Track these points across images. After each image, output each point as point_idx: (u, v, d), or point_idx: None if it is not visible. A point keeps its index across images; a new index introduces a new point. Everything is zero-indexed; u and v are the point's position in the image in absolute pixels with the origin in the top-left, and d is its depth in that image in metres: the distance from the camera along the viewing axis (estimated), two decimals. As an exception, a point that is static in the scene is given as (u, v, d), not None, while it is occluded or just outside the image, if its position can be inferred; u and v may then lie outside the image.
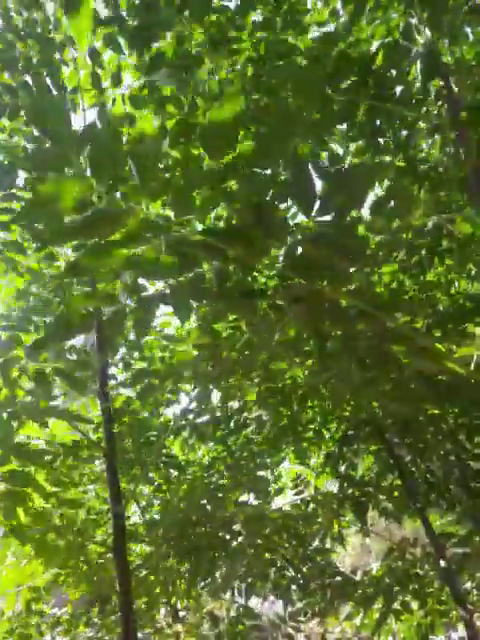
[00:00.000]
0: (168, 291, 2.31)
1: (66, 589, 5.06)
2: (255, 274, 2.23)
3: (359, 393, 3.21)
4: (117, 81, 3.32)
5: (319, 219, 1.79)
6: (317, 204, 1.77)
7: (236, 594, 5.28)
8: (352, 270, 2.12)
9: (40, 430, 4.63)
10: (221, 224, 2.26)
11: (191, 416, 4.46)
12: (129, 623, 4.14)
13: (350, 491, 5.00)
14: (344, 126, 2.70)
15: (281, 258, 2.08)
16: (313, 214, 1.77)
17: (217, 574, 4.98)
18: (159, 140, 1.73)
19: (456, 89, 2.98)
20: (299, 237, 1.88)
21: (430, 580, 5.09)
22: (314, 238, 1.84)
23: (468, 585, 5.10)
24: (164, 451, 4.95)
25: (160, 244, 2.10)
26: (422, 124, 3.12)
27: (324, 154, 2.89)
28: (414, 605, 5.02)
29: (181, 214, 1.91)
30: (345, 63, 2.87)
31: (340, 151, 2.90)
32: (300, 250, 1.89)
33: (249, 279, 2.31)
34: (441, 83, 3.01)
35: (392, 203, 2.18)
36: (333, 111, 2.84)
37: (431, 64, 2.90)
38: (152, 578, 4.91)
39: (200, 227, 2.13)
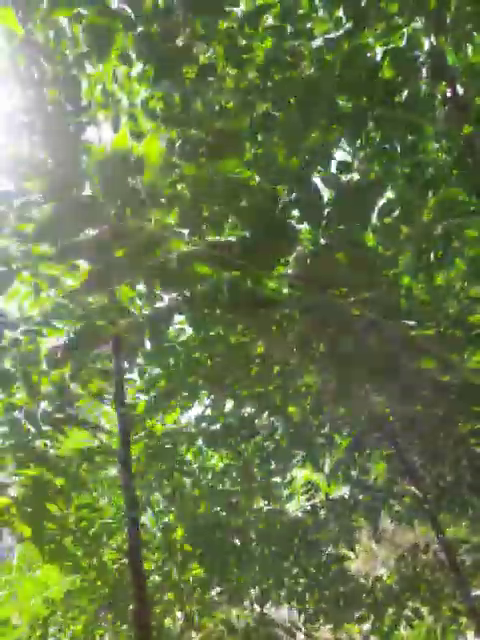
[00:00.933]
0: (183, 302, 2.35)
1: (81, 599, 5.07)
2: (267, 285, 2.24)
3: (371, 399, 3.22)
4: (130, 94, 3.36)
5: (329, 234, 1.82)
6: (325, 217, 1.80)
7: (251, 601, 5.29)
8: (363, 281, 2.14)
9: (58, 436, 4.66)
10: (232, 238, 2.30)
11: (205, 424, 4.48)
12: (144, 629, 4.14)
13: (361, 496, 4.99)
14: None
15: (290, 270, 2.11)
16: (321, 228, 1.80)
17: (231, 580, 4.98)
18: (164, 158, 1.76)
19: (462, 93, 2.98)
20: (308, 249, 1.90)
21: (440, 586, 5.06)
22: (322, 250, 1.86)
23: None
24: (178, 458, 4.96)
25: (173, 258, 2.13)
26: (430, 129, 3.11)
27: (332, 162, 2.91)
28: (424, 611, 4.99)
29: (190, 229, 1.94)
30: (350, 70, 2.88)
31: (348, 158, 2.91)
32: (309, 262, 1.91)
33: (260, 290, 2.33)
34: (448, 88, 3.01)
35: (398, 211, 2.19)
36: (343, 119, 2.85)
37: (437, 68, 2.90)
38: (166, 585, 4.92)
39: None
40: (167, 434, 4.62)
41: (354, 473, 4.99)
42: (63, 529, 4.45)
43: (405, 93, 3.21)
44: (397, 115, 2.94)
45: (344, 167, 2.43)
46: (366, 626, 5.52)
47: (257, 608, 5.34)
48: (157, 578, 5.04)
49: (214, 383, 2.97)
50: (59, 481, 4.00)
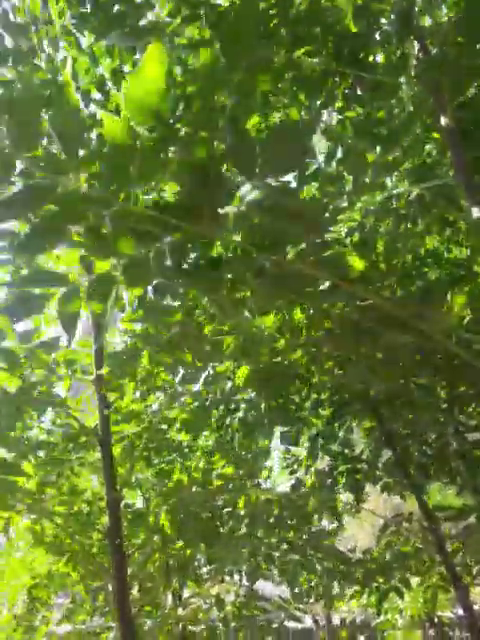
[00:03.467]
0: (122, 269, 2.13)
1: (67, 580, 4.94)
2: (214, 249, 2.03)
3: (345, 368, 3.02)
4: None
5: (263, 183, 1.60)
6: (258, 166, 1.58)
7: (241, 577, 5.17)
8: (316, 240, 1.93)
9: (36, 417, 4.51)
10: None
11: (182, 399, 4.30)
12: (125, 607, 4.03)
13: (343, 468, 4.83)
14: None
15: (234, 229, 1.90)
16: (255, 176, 1.58)
17: (219, 557, 4.84)
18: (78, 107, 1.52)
19: (434, 52, 2.75)
20: (247, 203, 1.67)
21: (430, 555, 4.93)
22: (261, 204, 1.64)
23: (468, 560, 4.94)
24: (164, 436, 4.79)
25: (103, 220, 1.92)
26: (401, 93, 2.89)
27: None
28: (414, 581, 4.88)
29: (117, 187, 1.72)
30: (312, 24, 2.64)
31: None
32: (247, 216, 1.70)
33: (208, 253, 2.11)
34: (417, 47, 2.78)
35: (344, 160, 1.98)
36: (302, 75, 2.62)
37: (405, 24, 2.67)
38: (151, 564, 4.78)
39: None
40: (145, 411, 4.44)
41: (334, 446, 4.82)
42: (42, 512, 4.30)
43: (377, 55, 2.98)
44: (363, 75, 2.71)
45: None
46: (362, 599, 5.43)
47: (245, 584, 5.23)
48: (144, 557, 4.90)
49: (174, 357, 2.76)
50: (27, 465, 3.84)
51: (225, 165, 1.84)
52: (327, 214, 1.96)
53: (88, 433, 4.38)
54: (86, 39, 2.74)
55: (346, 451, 4.93)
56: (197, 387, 4.00)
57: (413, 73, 2.75)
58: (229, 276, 2.09)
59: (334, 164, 2.18)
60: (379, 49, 2.83)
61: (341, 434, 4.76)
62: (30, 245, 1.92)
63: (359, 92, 2.89)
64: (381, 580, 4.82)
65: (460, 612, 5.81)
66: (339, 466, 4.86)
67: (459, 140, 2.19)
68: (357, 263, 2.01)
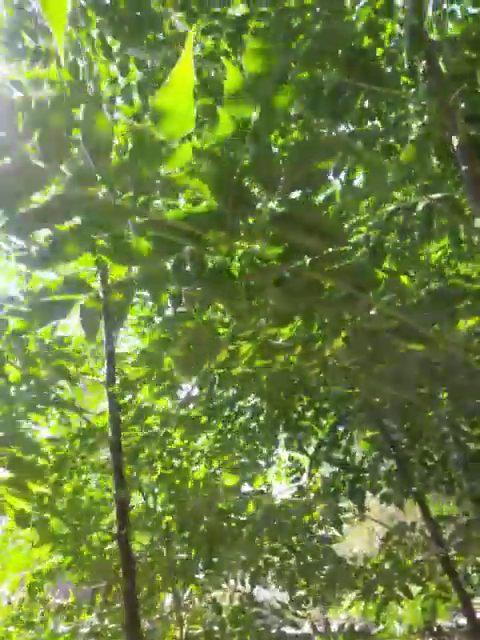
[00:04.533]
0: (143, 277, 2.17)
1: (69, 575, 4.95)
2: (233, 258, 2.07)
3: (352, 377, 3.04)
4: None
5: (284, 198, 1.65)
6: (281, 182, 1.62)
7: (239, 582, 5.17)
8: (331, 250, 1.97)
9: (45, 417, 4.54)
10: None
11: (191, 405, 4.34)
12: (133, 609, 4.04)
13: (344, 477, 4.85)
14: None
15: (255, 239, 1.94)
16: (277, 193, 1.63)
17: (219, 562, 4.85)
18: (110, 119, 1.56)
19: (443, 68, 2.80)
20: (268, 217, 1.72)
21: (430, 564, 4.93)
22: (281, 217, 1.68)
23: (469, 569, 4.95)
24: (168, 440, 4.81)
25: (128, 229, 1.96)
26: (411, 106, 2.94)
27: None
28: (415, 590, 4.87)
29: (143, 195, 1.75)
30: (328, 41, 2.69)
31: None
32: (269, 230, 1.74)
33: (226, 262, 2.15)
34: (425, 62, 2.82)
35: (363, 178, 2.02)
36: (319, 90, 2.67)
37: (415, 40, 2.72)
38: (154, 566, 4.79)
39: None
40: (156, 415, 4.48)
41: (337, 455, 4.84)
42: (50, 510, 4.32)
43: (387, 68, 3.03)
44: (377, 90, 2.76)
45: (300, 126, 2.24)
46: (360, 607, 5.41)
47: (244, 590, 5.23)
48: (149, 559, 4.91)
49: (187, 364, 2.78)
50: (42, 462, 3.86)
51: (248, 178, 1.89)
52: (346, 227, 2.00)
53: (98, 434, 4.42)
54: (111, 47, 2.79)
55: (348, 459, 4.94)
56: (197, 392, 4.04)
57: (424, 88, 2.80)
58: (247, 285, 2.13)
59: (348, 177, 2.22)
60: (392, 64, 2.89)
61: (344, 443, 4.77)
62: (57, 255, 1.96)
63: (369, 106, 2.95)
64: (382, 589, 4.82)
65: (460, 621, 5.79)
66: (341, 474, 4.88)
67: (470, 155, 2.23)
68: (379, 273, 2.05)
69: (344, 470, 4.96)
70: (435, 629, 5.07)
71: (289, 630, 5.94)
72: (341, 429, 4.71)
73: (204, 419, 4.20)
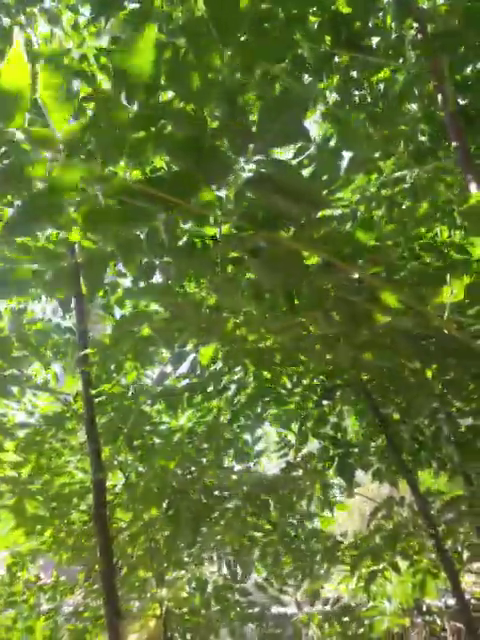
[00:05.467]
0: (116, 247, 2.15)
1: (51, 556, 5.03)
2: (207, 224, 2.05)
3: (335, 350, 3.05)
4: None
5: (257, 159, 1.62)
6: (253, 141, 1.59)
7: (222, 561, 5.26)
8: (311, 217, 1.95)
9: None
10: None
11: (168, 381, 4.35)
12: (111, 587, 4.11)
13: (334, 452, 4.90)
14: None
15: (230, 206, 1.92)
16: (248, 153, 1.60)
17: (203, 539, 4.93)
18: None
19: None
20: (242, 180, 1.69)
21: (420, 539, 5.03)
22: (257, 180, 1.65)
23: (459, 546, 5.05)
24: (148, 418, 4.83)
25: (96, 196, 1.93)
26: (399, 77, 2.90)
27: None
28: (403, 565, 4.97)
29: (110, 160, 1.72)
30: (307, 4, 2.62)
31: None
32: (243, 194, 1.72)
33: (203, 232, 2.13)
34: (415, 26, 2.77)
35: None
36: (299, 56, 2.61)
37: (403, 6, 2.66)
38: (133, 547, 4.86)
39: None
40: (131, 393, 4.49)
41: (326, 430, 4.89)
42: (24, 493, 4.36)
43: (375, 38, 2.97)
44: (364, 59, 2.71)
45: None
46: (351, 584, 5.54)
47: (227, 568, 5.32)
48: (125, 537, 4.98)
49: (166, 337, 2.78)
50: (10, 445, 3.88)
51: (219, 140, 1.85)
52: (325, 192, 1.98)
53: (72, 414, 4.43)
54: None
55: (339, 435, 5.00)
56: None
57: (412, 54, 2.75)
58: (223, 256, 2.11)
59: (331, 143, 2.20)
60: (376, 31, 2.82)
61: (332, 418, 4.82)
62: (20, 224, 1.92)
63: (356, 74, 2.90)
64: (369, 563, 4.92)
65: (449, 602, 5.94)
66: (330, 450, 4.93)
67: (460, 124, 2.21)
68: (363, 236, 2.03)
69: (333, 445, 5.01)
70: (424, 608, 5.20)
71: (276, 609, 6.07)
72: (328, 403, 4.74)
73: (185, 394, 4.21)
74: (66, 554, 4.88)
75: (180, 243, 2.17)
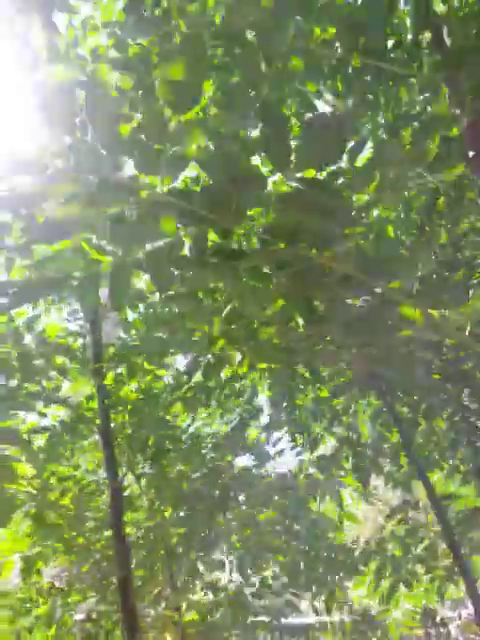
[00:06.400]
0: (143, 257, 2.25)
1: (62, 560, 5.15)
2: (237, 239, 2.16)
3: (353, 360, 3.16)
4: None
5: (297, 177, 1.72)
6: (292, 159, 1.69)
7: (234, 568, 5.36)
8: (338, 233, 2.05)
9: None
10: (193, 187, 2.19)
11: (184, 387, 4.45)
12: (128, 596, 4.22)
13: (347, 452, 5.00)
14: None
15: (260, 220, 2.03)
16: (289, 170, 1.70)
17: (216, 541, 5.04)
18: (113, 93, 1.64)
19: (448, 41, 2.81)
20: (276, 197, 1.80)
21: (433, 544, 5.13)
22: (292, 197, 1.76)
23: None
24: (161, 422, 4.95)
25: (130, 208, 2.04)
26: (413, 80, 2.98)
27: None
28: (421, 570, 5.05)
29: (146, 172, 1.83)
30: (328, 14, 2.72)
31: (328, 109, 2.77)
32: (277, 210, 1.82)
33: (229, 244, 2.24)
34: (430, 36, 2.84)
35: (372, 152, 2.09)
36: (317, 63, 2.70)
37: (421, 13, 2.73)
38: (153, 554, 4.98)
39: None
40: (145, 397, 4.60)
41: (339, 429, 4.99)
42: (42, 503, 4.48)
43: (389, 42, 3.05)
44: (380, 65, 2.79)
45: (310, 105, 2.30)
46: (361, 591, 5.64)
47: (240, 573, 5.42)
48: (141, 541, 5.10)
49: (184, 342, 2.90)
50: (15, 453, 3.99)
51: (256, 156, 1.96)
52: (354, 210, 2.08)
53: (87, 423, 4.55)
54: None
55: (353, 436, 5.08)
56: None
57: (430, 63, 2.83)
58: (251, 268, 2.22)
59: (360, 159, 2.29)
60: (395, 39, 2.90)
61: (345, 418, 4.90)
62: (53, 231, 2.04)
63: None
64: (388, 572, 5.00)
65: (462, 612, 6.01)
66: (344, 451, 5.02)
67: (477, 134, 2.30)
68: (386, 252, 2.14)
69: (347, 445, 5.10)
70: (439, 619, 5.28)
71: (294, 620, 6.17)
72: (342, 401, 4.81)
73: (200, 397, 4.32)
74: (79, 560, 5.01)
75: (207, 256, 2.26)
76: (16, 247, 2.40)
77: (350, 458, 5.07)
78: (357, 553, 5.28)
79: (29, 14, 2.57)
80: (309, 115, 2.24)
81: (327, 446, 5.49)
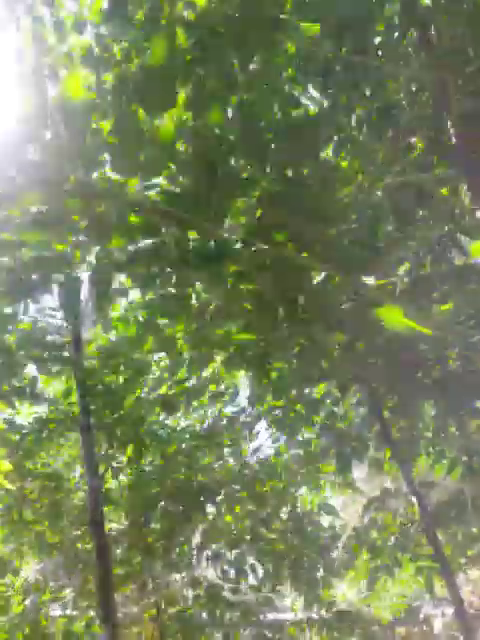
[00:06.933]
0: (126, 258, 2.26)
1: (34, 556, 5.19)
2: (217, 239, 2.17)
3: (335, 358, 3.20)
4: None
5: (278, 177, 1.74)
6: (270, 157, 1.71)
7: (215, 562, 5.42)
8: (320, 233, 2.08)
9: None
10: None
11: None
12: (108, 593, 4.26)
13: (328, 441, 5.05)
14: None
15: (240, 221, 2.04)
16: (267, 171, 1.72)
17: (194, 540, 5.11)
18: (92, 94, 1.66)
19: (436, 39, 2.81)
20: (257, 198, 1.82)
21: (413, 531, 5.22)
22: (271, 197, 1.78)
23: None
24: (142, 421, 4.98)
25: (110, 210, 2.05)
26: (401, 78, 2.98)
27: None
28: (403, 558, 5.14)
29: (124, 174, 1.85)
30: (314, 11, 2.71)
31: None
32: (258, 210, 1.85)
33: (211, 245, 2.26)
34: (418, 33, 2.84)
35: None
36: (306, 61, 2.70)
37: (409, 11, 2.73)
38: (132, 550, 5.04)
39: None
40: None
41: (319, 418, 5.02)
42: (19, 500, 4.50)
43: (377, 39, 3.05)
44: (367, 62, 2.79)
45: (293, 103, 2.32)
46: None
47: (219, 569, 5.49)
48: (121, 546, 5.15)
49: (167, 345, 2.93)
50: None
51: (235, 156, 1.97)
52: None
53: (68, 420, 4.56)
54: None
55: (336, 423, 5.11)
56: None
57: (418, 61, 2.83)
58: (230, 268, 2.24)
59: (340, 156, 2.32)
60: (382, 36, 2.90)
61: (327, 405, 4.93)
62: (35, 233, 2.05)
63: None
64: (367, 558, 5.09)
65: (446, 611, 6.10)
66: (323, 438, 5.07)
67: (462, 131, 2.33)
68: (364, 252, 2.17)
69: (328, 433, 5.13)
70: (421, 617, 5.39)
71: (279, 616, 6.25)
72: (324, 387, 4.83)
73: (181, 398, 4.37)
74: (57, 556, 5.04)
75: (188, 256, 2.28)
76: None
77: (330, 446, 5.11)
78: (342, 540, 5.36)
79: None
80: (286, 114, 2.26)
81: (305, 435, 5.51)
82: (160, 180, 2.25)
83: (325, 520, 5.79)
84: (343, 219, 2.07)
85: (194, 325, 2.75)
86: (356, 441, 5.21)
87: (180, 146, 2.02)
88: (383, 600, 5.72)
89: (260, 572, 5.56)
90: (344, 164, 2.21)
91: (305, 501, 5.64)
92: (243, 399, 4.72)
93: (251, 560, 5.42)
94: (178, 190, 2.10)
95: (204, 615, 5.38)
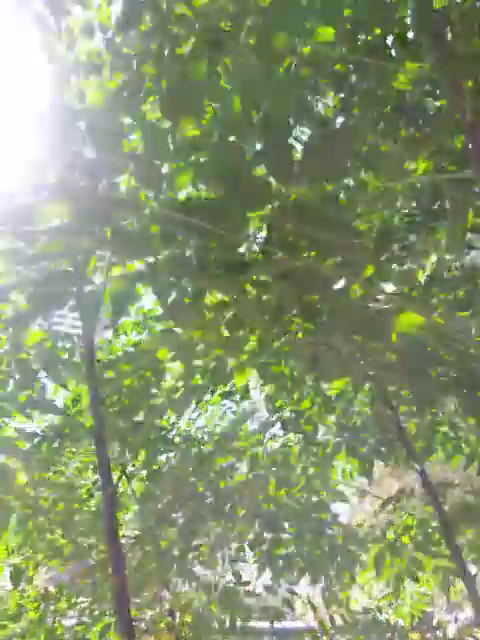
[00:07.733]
0: (146, 269, 2.32)
1: (51, 563, 5.27)
2: (237, 249, 2.24)
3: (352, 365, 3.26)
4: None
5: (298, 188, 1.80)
6: (294, 171, 1.77)
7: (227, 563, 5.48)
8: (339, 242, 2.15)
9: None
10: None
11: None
12: (123, 601, 4.33)
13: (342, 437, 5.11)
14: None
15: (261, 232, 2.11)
16: (290, 183, 1.78)
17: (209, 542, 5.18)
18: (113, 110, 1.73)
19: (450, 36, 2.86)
20: (278, 208, 1.88)
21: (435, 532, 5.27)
22: (293, 209, 1.84)
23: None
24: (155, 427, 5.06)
25: (133, 222, 2.11)
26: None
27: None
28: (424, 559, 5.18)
29: (148, 188, 1.91)
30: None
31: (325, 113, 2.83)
32: (278, 222, 1.90)
33: (231, 254, 2.33)
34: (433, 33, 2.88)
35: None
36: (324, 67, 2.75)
37: (424, 12, 2.77)
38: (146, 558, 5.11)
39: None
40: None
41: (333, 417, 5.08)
42: (35, 510, 4.57)
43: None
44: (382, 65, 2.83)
45: (319, 119, 2.38)
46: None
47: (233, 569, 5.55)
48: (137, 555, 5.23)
49: (185, 353, 3.00)
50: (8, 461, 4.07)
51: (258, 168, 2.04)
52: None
53: (81, 429, 4.63)
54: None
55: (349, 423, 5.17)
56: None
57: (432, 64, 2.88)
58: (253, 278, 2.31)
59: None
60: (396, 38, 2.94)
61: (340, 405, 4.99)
62: (58, 245, 2.12)
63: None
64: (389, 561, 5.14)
65: (459, 616, 6.16)
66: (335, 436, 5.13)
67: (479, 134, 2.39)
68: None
69: (341, 431, 5.19)
70: (435, 622, 5.44)
71: (293, 624, 6.32)
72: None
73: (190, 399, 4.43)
74: (72, 564, 5.12)
75: (209, 266, 2.34)
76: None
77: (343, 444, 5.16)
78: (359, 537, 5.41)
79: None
80: (315, 129, 2.30)
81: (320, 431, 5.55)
82: (183, 192, 2.32)
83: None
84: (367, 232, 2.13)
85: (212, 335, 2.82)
86: (374, 440, 5.26)
87: (203, 158, 2.07)
88: (403, 604, 5.77)
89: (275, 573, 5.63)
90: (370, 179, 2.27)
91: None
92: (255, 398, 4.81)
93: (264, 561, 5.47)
94: (201, 201, 2.15)
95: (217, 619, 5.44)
